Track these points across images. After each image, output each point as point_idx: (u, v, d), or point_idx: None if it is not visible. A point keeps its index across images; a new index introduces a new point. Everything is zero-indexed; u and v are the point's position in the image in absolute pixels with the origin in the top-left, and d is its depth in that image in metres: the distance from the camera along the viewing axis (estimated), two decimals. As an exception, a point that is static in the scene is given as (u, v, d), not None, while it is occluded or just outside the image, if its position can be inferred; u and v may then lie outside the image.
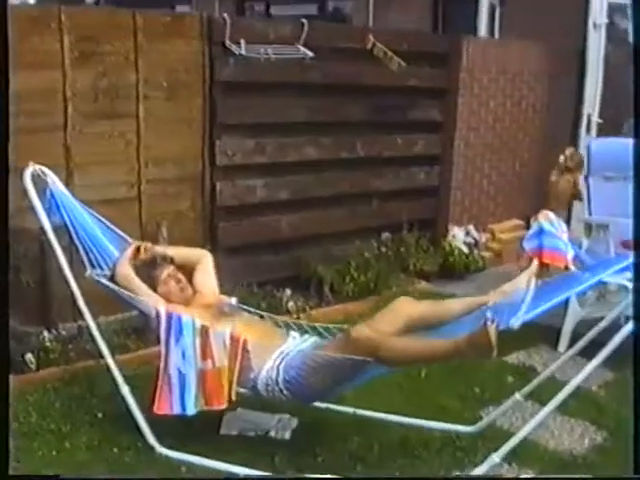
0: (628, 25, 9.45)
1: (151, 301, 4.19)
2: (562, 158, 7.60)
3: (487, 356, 3.54)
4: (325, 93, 6.71)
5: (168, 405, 4.01)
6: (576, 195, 7.33)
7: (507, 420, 4.48)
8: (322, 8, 13.44)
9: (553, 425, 4.66)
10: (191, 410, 3.98)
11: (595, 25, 8.70)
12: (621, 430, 4.64)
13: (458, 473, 3.94)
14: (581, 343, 4.34)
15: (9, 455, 3.00)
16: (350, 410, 4.56)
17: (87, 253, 4.43)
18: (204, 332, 3.95)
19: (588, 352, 3.92)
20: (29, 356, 4.88)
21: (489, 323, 3.47)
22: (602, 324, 4.22)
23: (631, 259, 3.86)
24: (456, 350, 3.63)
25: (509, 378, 5.16)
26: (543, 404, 3.88)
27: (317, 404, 4.40)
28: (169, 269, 4.39)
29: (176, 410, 4.00)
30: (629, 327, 3.54)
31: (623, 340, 4.91)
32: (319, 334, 4.30)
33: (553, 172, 7.84)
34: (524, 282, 4.00)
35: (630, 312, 5.24)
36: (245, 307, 4.57)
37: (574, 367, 4.11)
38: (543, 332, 5.91)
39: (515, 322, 3.57)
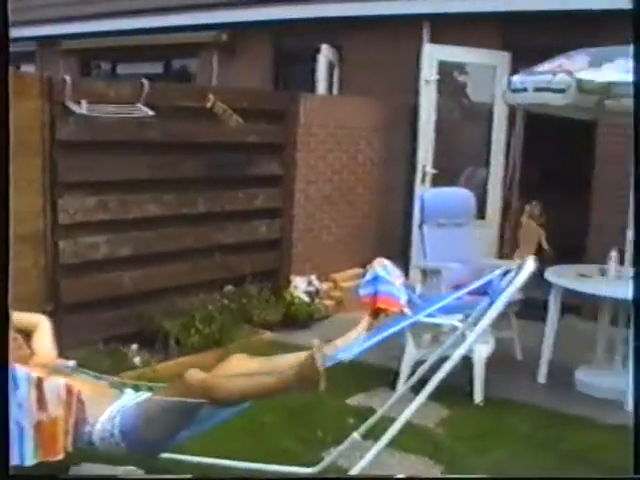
0: (466, 80, 9.97)
1: None
2: (528, 207, 8.95)
3: (316, 387, 3.63)
4: (166, 151, 6.84)
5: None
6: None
7: (347, 460, 4.63)
8: (168, 67, 13.59)
9: (393, 461, 4.87)
10: (29, 461, 3.91)
11: (427, 82, 9.11)
12: (456, 464, 4.91)
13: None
14: (410, 382, 4.55)
15: (9, 455, 3.03)
16: (194, 459, 4.65)
17: None
18: (39, 384, 3.92)
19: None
20: None
21: (315, 350, 3.62)
22: (427, 364, 4.41)
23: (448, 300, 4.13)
24: (285, 383, 3.75)
25: (350, 420, 5.28)
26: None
27: (160, 455, 4.48)
28: None
29: (15, 460, 3.94)
30: (449, 365, 3.73)
31: (457, 380, 5.21)
32: (156, 390, 4.36)
33: (523, 217, 9.10)
34: (354, 337, 4.19)
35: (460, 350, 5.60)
36: (82, 370, 4.58)
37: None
38: (383, 374, 6.19)
39: (343, 355, 3.75)
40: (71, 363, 4.51)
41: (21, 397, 3.92)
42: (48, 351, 4.52)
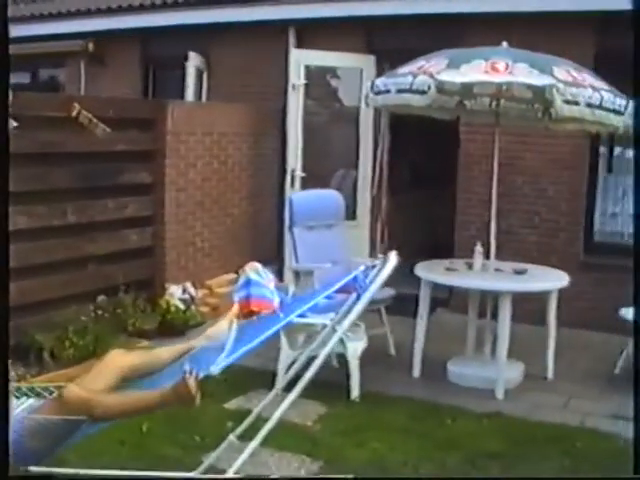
0: (338, 84, 10.12)
1: None
2: None
3: (191, 404, 3.68)
4: (34, 162, 6.76)
5: None
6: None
7: (227, 462, 4.66)
8: (35, 77, 13.38)
9: (271, 461, 4.95)
10: None
11: (294, 86, 9.22)
12: (334, 457, 5.03)
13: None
14: (282, 382, 4.65)
15: (9, 455, 3.03)
16: (73, 471, 4.61)
17: None
18: None
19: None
20: None
21: (187, 375, 3.65)
22: (298, 363, 4.48)
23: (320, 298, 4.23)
24: (162, 400, 3.78)
25: (229, 423, 5.31)
26: (261, 443, 4.01)
27: (40, 469, 4.43)
28: None
29: None
30: (320, 361, 3.81)
31: (333, 376, 5.30)
32: (37, 394, 4.34)
33: None
34: (226, 325, 4.25)
35: (337, 349, 5.71)
36: None
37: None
38: (261, 377, 6.25)
39: (215, 369, 3.78)
40: None
41: None
42: None
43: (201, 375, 3.70)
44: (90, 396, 3.84)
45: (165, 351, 4.35)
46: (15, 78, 12.73)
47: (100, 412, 3.80)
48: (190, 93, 10.34)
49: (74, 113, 6.95)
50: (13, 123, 6.36)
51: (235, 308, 4.37)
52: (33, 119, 6.64)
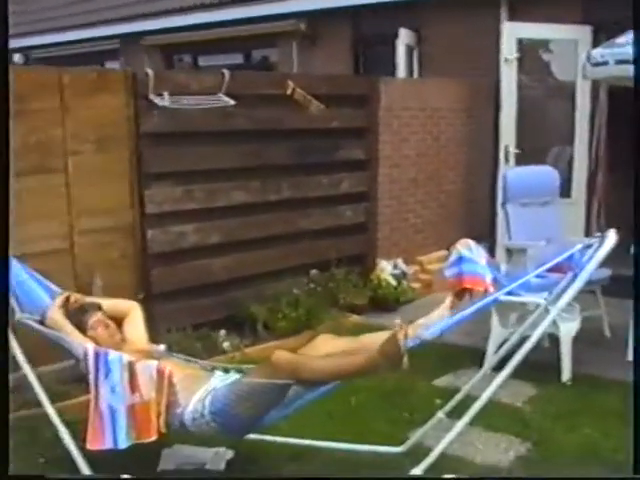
0: (551, 58, 9.85)
1: (79, 341, 4.33)
2: None
3: (398, 365, 3.67)
4: (250, 139, 6.94)
5: (100, 440, 4.09)
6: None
7: (434, 439, 4.64)
8: (248, 57, 13.73)
9: (479, 441, 4.89)
10: (123, 444, 4.06)
11: (506, 60, 9.04)
12: (543, 440, 4.91)
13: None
14: (493, 361, 4.58)
15: (9, 455, 3.07)
16: (283, 439, 4.74)
17: (19, 302, 4.56)
18: (131, 367, 4.07)
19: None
20: (-31, 408, 4.98)
21: (397, 329, 3.66)
22: (509, 343, 4.41)
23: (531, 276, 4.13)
24: (370, 362, 3.79)
25: (437, 401, 5.28)
26: (469, 422, 4.02)
27: (250, 436, 4.59)
28: (98, 315, 4.55)
29: (108, 444, 4.08)
30: (533, 341, 3.73)
31: (544, 357, 5.18)
32: (239, 372, 4.47)
33: None
34: (438, 316, 4.22)
35: (549, 329, 5.57)
36: (173, 354, 4.72)
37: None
38: (471, 355, 6.19)
39: (426, 333, 3.78)
40: (161, 347, 4.65)
41: (114, 381, 4.06)
42: (139, 337, 4.66)
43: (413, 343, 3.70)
44: (298, 358, 3.92)
45: (372, 337, 4.31)
46: (229, 59, 13.24)
47: (307, 375, 3.87)
48: (401, 70, 10.32)
49: (289, 91, 7.07)
50: (230, 102, 6.57)
51: (448, 301, 4.31)
52: (249, 97, 6.82)
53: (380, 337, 4.05)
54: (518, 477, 4.17)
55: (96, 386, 4.12)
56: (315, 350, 4.19)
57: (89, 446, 4.11)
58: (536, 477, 4.20)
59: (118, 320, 4.69)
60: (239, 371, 4.45)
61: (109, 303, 4.80)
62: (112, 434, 4.08)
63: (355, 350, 4.09)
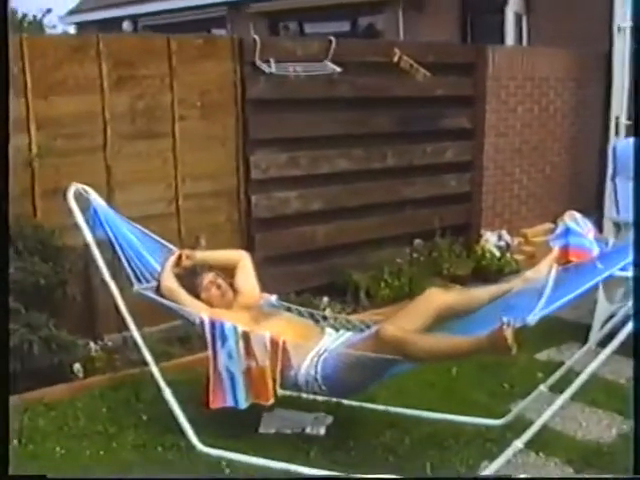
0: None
1: (195, 310, 4.44)
2: None
3: (506, 354, 3.67)
4: (354, 106, 6.92)
5: (222, 400, 4.26)
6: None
7: (535, 413, 4.58)
8: (354, 24, 13.69)
9: (581, 416, 4.83)
10: (243, 404, 4.23)
11: (619, 29, 8.80)
12: (647, 419, 4.81)
13: (487, 462, 4.09)
14: (598, 336, 4.50)
15: (9, 455, 3.08)
16: (382, 407, 4.75)
17: (131, 267, 4.69)
18: (246, 336, 4.18)
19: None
20: (77, 366, 5.14)
21: (505, 327, 3.61)
22: (616, 318, 4.32)
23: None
24: (477, 347, 3.79)
25: (539, 374, 5.24)
26: (571, 397, 3.98)
27: (350, 402, 4.62)
28: (209, 276, 4.67)
29: (230, 403, 4.25)
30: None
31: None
32: (354, 328, 4.52)
33: None
34: (545, 268, 4.18)
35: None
36: (285, 304, 4.85)
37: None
38: (575, 329, 6.09)
39: (532, 319, 3.72)
40: (273, 298, 4.72)
41: (230, 347, 4.19)
42: (251, 288, 4.79)
43: (517, 325, 3.66)
44: (405, 336, 3.91)
45: (483, 291, 4.36)
46: (335, 27, 13.22)
47: (414, 353, 3.87)
48: (510, 37, 10.15)
49: (395, 58, 7.01)
50: (336, 69, 6.56)
51: (555, 252, 4.27)
52: (355, 64, 6.79)
53: (488, 291, 4.10)
54: (519, 477, 4.10)
55: (214, 351, 4.25)
56: (424, 305, 4.24)
57: (212, 405, 4.28)
58: (536, 477, 4.12)
59: (229, 272, 4.80)
60: (348, 329, 4.52)
61: (219, 257, 4.94)
62: (232, 394, 4.25)
63: (465, 303, 4.21)
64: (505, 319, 3.66)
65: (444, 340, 4.03)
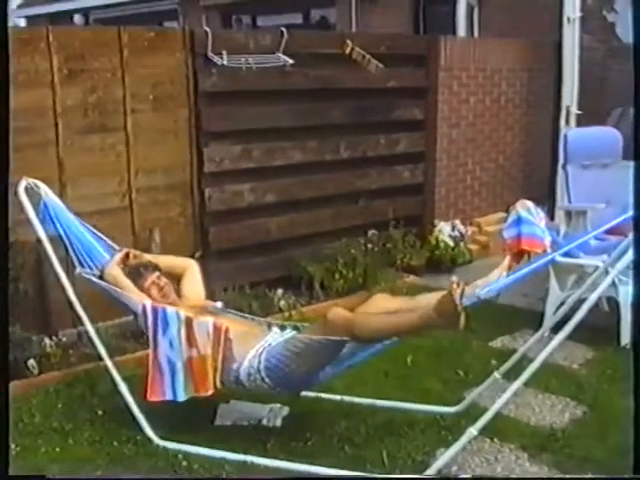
0: (615, 17, 9.66)
1: (137, 297, 4.42)
2: None
3: (455, 323, 3.69)
4: (307, 98, 6.91)
5: (160, 392, 4.22)
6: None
7: (489, 400, 4.61)
8: (307, 17, 13.70)
9: (534, 402, 4.87)
10: (181, 396, 4.19)
11: (569, 19, 8.87)
12: (599, 403, 4.87)
13: (442, 450, 4.12)
14: (550, 323, 4.56)
15: (9, 455, 3.09)
16: (337, 397, 4.77)
17: (78, 258, 4.65)
18: (188, 322, 4.15)
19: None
20: (31, 362, 5.09)
21: (455, 286, 3.65)
22: (567, 305, 4.36)
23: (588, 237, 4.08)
24: (425, 321, 3.82)
25: (493, 361, 5.24)
26: (525, 384, 4.00)
27: (306, 393, 4.63)
28: (153, 276, 4.62)
29: (168, 396, 4.21)
30: (590, 303, 3.68)
31: (603, 320, 5.10)
32: (294, 329, 4.51)
33: None
34: (496, 277, 4.20)
35: (608, 292, 5.50)
36: (229, 310, 4.81)
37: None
38: (528, 316, 6.16)
39: (482, 292, 3.77)
40: (218, 304, 4.71)
41: (172, 335, 4.16)
42: (197, 294, 4.74)
43: (467, 299, 3.68)
44: (353, 316, 3.95)
45: (428, 298, 4.28)
46: (287, 19, 13.23)
47: (362, 332, 3.90)
48: (462, 29, 10.20)
49: (347, 50, 7.02)
50: (289, 61, 6.56)
51: (506, 261, 4.29)
52: (307, 56, 6.79)
53: (436, 297, 4.03)
54: (519, 477, 4.15)
55: (155, 341, 4.23)
56: (371, 308, 4.20)
57: (149, 398, 4.24)
58: (537, 477, 4.17)
59: (176, 277, 4.76)
60: (295, 328, 4.50)
61: (166, 260, 4.88)
62: (171, 387, 4.21)
63: (411, 309, 4.09)
64: (454, 278, 3.70)
65: (391, 317, 4.03)
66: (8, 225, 3.27)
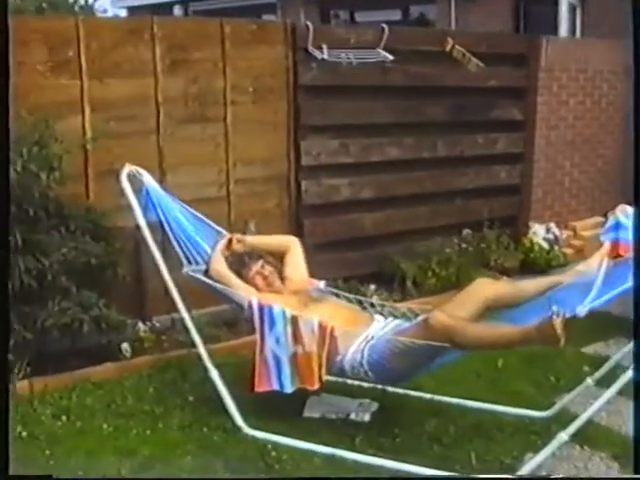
0: None
1: (244, 293, 4.47)
2: None
3: (555, 344, 3.65)
4: (406, 95, 6.90)
5: (267, 383, 4.29)
6: None
7: (580, 406, 4.53)
8: (406, 14, 13.65)
9: (626, 411, 4.77)
10: (288, 388, 4.25)
11: (678, 19, 8.66)
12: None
13: (530, 454, 4.06)
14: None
15: (9, 455, 3.06)
16: (428, 396, 4.75)
17: (182, 249, 4.73)
18: (294, 321, 4.20)
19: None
20: (125, 345, 5.20)
21: (555, 317, 3.59)
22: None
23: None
24: (525, 337, 3.77)
25: (585, 368, 5.20)
26: (618, 392, 3.95)
27: (396, 390, 4.62)
28: (257, 266, 4.67)
29: (275, 387, 4.28)
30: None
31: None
32: (402, 316, 4.51)
33: None
34: (597, 262, 4.14)
35: None
36: (334, 290, 4.87)
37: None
38: (622, 324, 6.01)
39: (582, 310, 3.70)
40: (322, 284, 4.73)
41: (278, 333, 4.21)
42: (300, 275, 4.79)
43: (567, 316, 3.64)
44: (454, 323, 3.90)
45: (531, 283, 4.34)
46: (386, 15, 13.18)
47: (462, 340, 3.87)
48: (563, 29, 10.05)
49: (448, 47, 6.98)
50: (389, 57, 6.54)
51: (606, 246, 4.24)
52: (408, 53, 6.77)
53: (538, 283, 4.07)
54: (520, 477, 4.07)
55: (262, 335, 4.29)
56: (472, 295, 4.21)
57: (257, 389, 4.32)
58: (539, 477, 4.08)
59: (278, 257, 4.81)
60: (396, 317, 4.52)
61: (269, 242, 4.93)
62: (278, 378, 4.27)
63: (513, 294, 4.18)
64: (555, 308, 3.64)
65: (493, 329, 4.01)
66: (8, 224, 3.28)
